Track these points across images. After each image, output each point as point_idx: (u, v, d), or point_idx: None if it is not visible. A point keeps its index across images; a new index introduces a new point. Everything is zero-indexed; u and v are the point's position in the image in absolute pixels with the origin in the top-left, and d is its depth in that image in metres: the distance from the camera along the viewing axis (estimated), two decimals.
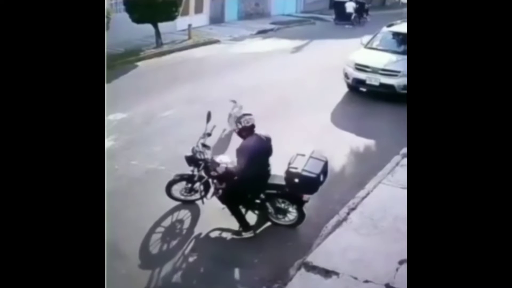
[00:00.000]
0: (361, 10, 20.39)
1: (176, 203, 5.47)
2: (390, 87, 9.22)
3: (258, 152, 4.71)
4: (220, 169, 4.82)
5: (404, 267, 4.31)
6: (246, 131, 4.75)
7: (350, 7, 19.73)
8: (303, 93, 9.70)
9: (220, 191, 5.11)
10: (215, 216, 5.19)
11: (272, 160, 4.92)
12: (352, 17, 19.68)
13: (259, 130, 4.73)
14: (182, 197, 5.45)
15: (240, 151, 4.67)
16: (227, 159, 5.18)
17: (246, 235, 4.95)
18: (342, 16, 19.79)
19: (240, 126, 4.76)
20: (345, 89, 10.03)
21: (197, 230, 5.13)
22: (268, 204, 5.06)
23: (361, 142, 7.09)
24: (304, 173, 4.70)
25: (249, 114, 4.84)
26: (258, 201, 5.03)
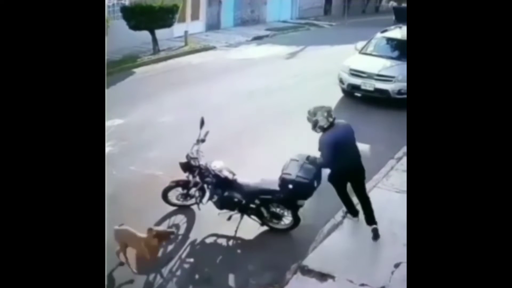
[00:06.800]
0: None
1: (173, 208, 5.50)
2: (385, 92, 9.32)
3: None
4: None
5: (399, 271, 4.35)
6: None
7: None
8: (298, 98, 9.75)
9: (216, 196, 5.15)
10: (211, 220, 5.22)
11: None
12: None
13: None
14: (179, 202, 5.49)
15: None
16: (221, 165, 5.22)
17: (351, 219, 5.19)
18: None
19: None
20: (340, 94, 10.11)
21: (193, 235, 5.16)
22: (263, 209, 5.09)
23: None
24: (298, 179, 4.72)
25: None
26: (253, 205, 5.06)
